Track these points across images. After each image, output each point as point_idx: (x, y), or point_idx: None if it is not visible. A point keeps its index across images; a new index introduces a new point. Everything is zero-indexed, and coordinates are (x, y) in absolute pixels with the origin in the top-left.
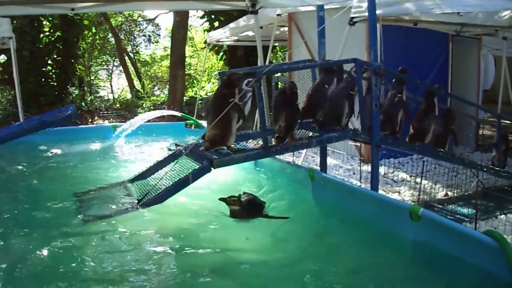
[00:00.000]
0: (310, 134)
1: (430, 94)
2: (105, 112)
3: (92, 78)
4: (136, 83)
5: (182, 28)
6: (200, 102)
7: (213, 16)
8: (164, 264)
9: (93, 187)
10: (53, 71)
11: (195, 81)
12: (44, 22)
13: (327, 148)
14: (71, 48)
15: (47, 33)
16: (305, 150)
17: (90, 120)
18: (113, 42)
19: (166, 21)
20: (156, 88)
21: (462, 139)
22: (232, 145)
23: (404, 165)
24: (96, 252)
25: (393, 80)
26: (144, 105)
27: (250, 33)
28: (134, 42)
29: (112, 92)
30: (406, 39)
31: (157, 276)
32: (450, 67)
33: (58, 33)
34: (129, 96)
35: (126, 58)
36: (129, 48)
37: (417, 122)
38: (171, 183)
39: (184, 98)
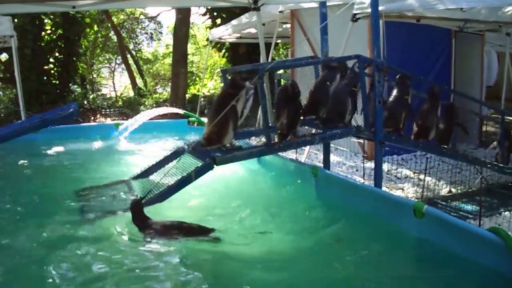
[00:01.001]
0: (313, 131)
1: (434, 92)
2: (108, 110)
3: (94, 76)
4: (139, 81)
5: (184, 25)
6: (202, 99)
7: (215, 13)
8: (165, 262)
9: (95, 185)
10: (55, 69)
11: (197, 79)
12: (46, 20)
13: (330, 145)
14: (72, 46)
15: (48, 31)
16: (308, 147)
17: (92, 118)
18: (115, 40)
19: (168, 18)
20: (158, 85)
21: (466, 135)
22: (228, 145)
23: (408, 162)
24: (98, 250)
25: (397, 77)
26: (146, 102)
27: (253, 30)
28: (136, 40)
29: (114, 90)
30: (409, 35)
31: (157, 275)
32: (453, 64)
33: (59, 31)
34: (131, 94)
35: (128, 56)
36: (131, 46)
37: (421, 119)
38: (173, 180)
39: (187, 95)
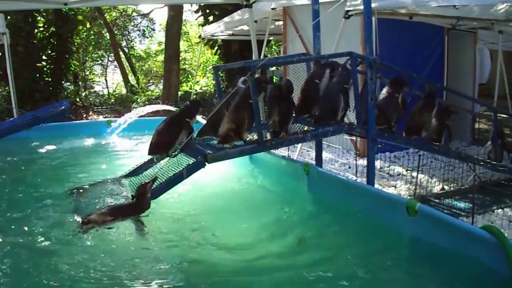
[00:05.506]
0: (305, 128)
1: (429, 90)
2: (100, 107)
3: (87, 73)
4: (131, 78)
5: (176, 22)
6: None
7: (207, 11)
8: (159, 260)
9: (86, 183)
10: (48, 66)
11: (190, 76)
12: (38, 18)
13: (323, 142)
14: (65, 44)
15: (41, 29)
16: (300, 144)
17: (84, 115)
18: (108, 37)
19: (161, 15)
20: (150, 83)
21: (458, 133)
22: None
23: (400, 159)
24: (88, 248)
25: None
26: (139, 100)
27: (245, 27)
28: (129, 37)
29: (107, 87)
30: (402, 32)
31: (153, 273)
32: (445, 61)
33: (52, 29)
34: (124, 91)
35: (121, 53)
36: (123, 43)
37: (411, 117)
38: (165, 178)
39: (179, 92)
